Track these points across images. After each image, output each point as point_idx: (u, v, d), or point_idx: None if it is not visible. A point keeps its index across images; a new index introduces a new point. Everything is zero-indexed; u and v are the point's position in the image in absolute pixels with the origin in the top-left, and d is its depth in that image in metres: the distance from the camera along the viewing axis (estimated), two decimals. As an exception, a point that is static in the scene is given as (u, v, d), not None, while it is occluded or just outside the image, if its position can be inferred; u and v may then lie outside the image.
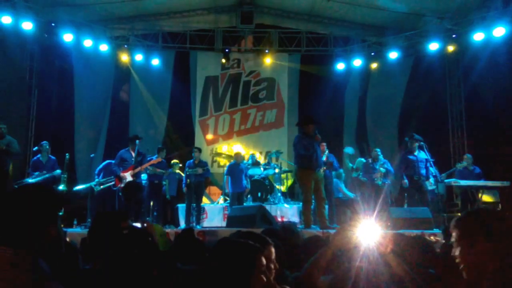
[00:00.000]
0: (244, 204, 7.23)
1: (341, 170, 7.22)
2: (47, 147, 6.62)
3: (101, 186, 6.77)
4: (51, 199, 1.24)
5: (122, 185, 6.12)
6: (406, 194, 6.95)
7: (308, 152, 5.34)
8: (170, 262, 1.84)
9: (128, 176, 6.10)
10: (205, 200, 8.19)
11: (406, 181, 6.28)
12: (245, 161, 7.74)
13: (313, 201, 5.62)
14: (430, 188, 6.58)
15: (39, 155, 6.65)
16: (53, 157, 6.75)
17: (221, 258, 1.35)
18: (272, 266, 1.81)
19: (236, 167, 7.24)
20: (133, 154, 6.21)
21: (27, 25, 7.46)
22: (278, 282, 1.53)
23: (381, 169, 6.60)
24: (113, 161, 6.51)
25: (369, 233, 1.59)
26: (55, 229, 1.22)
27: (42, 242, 1.19)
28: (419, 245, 2.11)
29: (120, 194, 6.30)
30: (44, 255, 1.20)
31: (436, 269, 1.92)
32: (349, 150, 7.36)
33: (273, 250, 1.79)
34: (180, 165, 7.63)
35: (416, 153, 6.31)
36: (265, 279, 1.35)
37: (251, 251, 1.37)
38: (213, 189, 8.95)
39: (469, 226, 1.29)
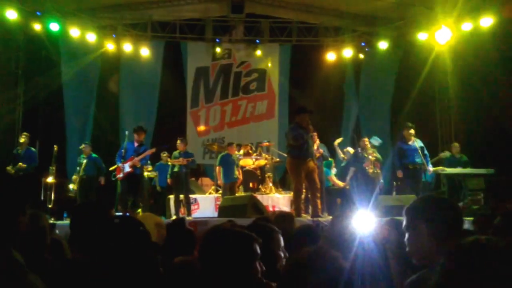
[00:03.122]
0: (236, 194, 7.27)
1: (331, 160, 7.29)
2: (26, 139, 6.58)
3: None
4: (16, 189, 1.23)
5: (121, 175, 6.15)
6: (394, 183, 7.07)
7: (297, 142, 5.37)
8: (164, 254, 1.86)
9: (126, 167, 6.12)
10: (197, 191, 8.22)
11: (400, 171, 6.35)
12: (237, 152, 7.77)
13: (303, 190, 5.68)
14: (430, 173, 6.58)
15: (17, 147, 6.62)
16: (32, 149, 6.70)
17: (221, 247, 1.36)
18: (282, 254, 1.83)
19: (229, 158, 7.26)
20: (135, 145, 6.23)
21: (12, 14, 7.28)
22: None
23: (370, 157, 6.68)
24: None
25: (364, 222, 1.62)
26: (24, 219, 1.21)
27: (12, 233, 1.18)
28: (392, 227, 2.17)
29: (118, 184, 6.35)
30: (16, 245, 1.19)
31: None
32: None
33: (280, 237, 1.81)
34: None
35: (410, 142, 6.37)
36: (259, 267, 1.37)
37: (251, 240, 1.38)
38: (205, 180, 8.96)
39: (413, 212, 1.42)
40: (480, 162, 6.98)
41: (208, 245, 1.47)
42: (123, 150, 6.21)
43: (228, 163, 7.21)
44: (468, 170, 6.84)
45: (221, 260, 1.38)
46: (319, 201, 5.49)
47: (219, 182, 7.36)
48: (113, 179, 6.46)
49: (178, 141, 6.97)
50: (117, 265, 1.56)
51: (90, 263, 1.53)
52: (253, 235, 1.46)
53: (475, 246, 0.90)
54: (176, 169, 6.77)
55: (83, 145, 7.08)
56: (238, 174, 7.34)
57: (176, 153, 6.92)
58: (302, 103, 8.11)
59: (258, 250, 1.43)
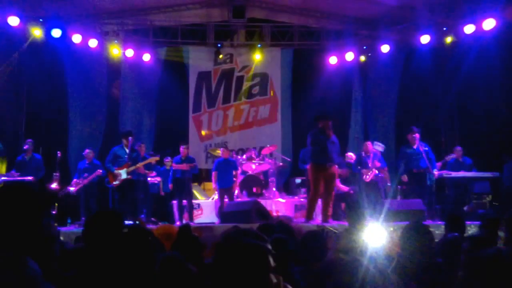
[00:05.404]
0: (239, 199, 7.25)
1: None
2: (31, 145, 6.54)
3: (77, 187, 6.74)
4: (37, 199, 1.22)
5: (117, 182, 6.05)
6: (400, 187, 7.03)
7: (314, 147, 5.47)
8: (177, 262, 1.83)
9: (123, 174, 6.03)
10: (200, 197, 8.19)
11: (404, 175, 6.34)
12: (239, 157, 7.74)
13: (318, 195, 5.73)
14: (435, 176, 6.57)
15: (23, 154, 6.55)
16: (38, 156, 6.65)
17: (236, 260, 1.34)
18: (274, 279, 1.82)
19: (223, 162, 7.21)
20: (127, 151, 6.14)
21: (14, 21, 7.29)
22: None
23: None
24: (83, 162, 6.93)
25: (375, 235, 1.60)
26: (43, 228, 1.21)
27: (31, 242, 1.18)
28: (420, 233, 2.13)
29: (112, 192, 6.27)
30: (34, 255, 1.18)
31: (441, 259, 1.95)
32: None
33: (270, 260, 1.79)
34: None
35: (415, 146, 6.35)
36: (274, 279, 1.35)
37: (265, 252, 1.37)
38: (208, 185, 8.92)
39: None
40: (485, 165, 6.94)
41: (222, 256, 1.44)
42: (126, 156, 6.15)
43: (223, 168, 7.14)
44: (473, 173, 6.81)
45: (235, 272, 1.35)
46: (330, 208, 5.55)
47: (213, 186, 7.36)
48: (108, 186, 6.37)
49: (182, 147, 6.96)
50: (127, 273, 1.54)
51: (102, 271, 1.52)
52: (267, 247, 1.44)
53: (494, 258, 0.87)
54: (178, 175, 6.76)
55: (90, 151, 7.09)
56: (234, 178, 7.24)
57: (178, 158, 6.91)
58: (303, 108, 8.15)
59: (272, 263, 1.41)
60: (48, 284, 1.14)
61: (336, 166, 5.80)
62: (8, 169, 6.39)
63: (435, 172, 6.30)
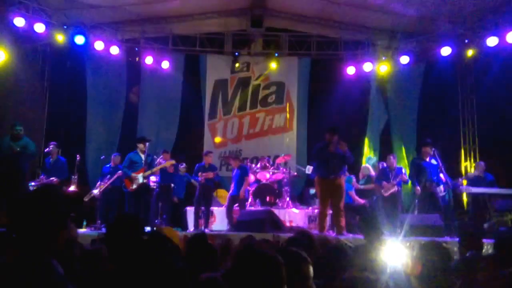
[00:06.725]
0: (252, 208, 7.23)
1: (352, 176, 7.17)
2: (55, 148, 6.67)
3: (100, 190, 6.80)
4: (64, 203, 1.25)
5: (134, 186, 6.12)
6: (416, 201, 6.87)
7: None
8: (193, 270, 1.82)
9: (140, 179, 6.11)
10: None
11: (418, 187, 6.23)
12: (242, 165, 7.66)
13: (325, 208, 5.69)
14: (441, 194, 6.51)
15: (50, 157, 6.70)
16: (62, 158, 6.79)
17: (252, 271, 1.33)
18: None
19: (233, 172, 7.26)
20: (143, 156, 6.23)
21: (40, 27, 7.55)
22: None
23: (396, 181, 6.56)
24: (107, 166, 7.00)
25: (394, 253, 1.56)
26: (67, 232, 1.24)
27: (56, 245, 1.20)
28: (438, 251, 2.07)
29: (129, 196, 6.33)
30: (57, 257, 1.21)
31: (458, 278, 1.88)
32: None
33: (310, 269, 1.77)
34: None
35: (428, 159, 6.25)
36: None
37: (279, 265, 1.36)
38: (221, 192, 8.92)
39: None
40: (507, 181, 6.73)
41: (240, 266, 1.44)
42: (142, 162, 6.22)
43: (233, 177, 7.14)
44: (494, 190, 6.60)
45: (249, 283, 1.35)
46: (342, 219, 5.49)
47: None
48: (125, 190, 6.43)
49: (208, 155, 7.12)
50: (147, 278, 1.54)
51: (123, 275, 1.53)
52: (281, 259, 1.45)
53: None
54: (203, 182, 6.81)
55: (117, 155, 7.21)
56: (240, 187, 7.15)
57: (202, 166, 6.97)
58: (320, 118, 8.08)
59: (285, 275, 1.41)
60: (72, 286, 1.16)
61: (342, 177, 5.71)
62: (32, 171, 6.51)
63: (441, 187, 6.19)
